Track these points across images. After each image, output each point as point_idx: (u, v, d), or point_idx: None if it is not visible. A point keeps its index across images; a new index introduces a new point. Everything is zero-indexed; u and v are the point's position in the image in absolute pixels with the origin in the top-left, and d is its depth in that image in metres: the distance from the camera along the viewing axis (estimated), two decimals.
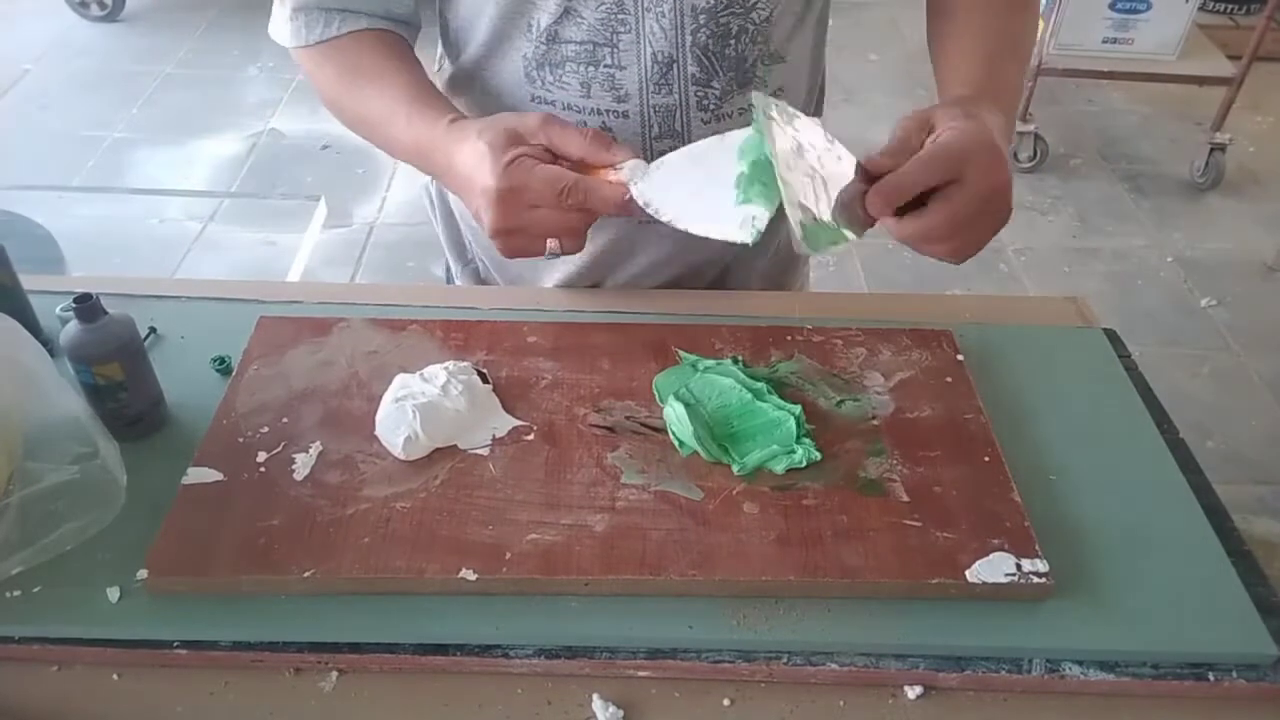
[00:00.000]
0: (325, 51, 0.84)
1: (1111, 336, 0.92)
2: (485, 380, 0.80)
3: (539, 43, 0.83)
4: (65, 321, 0.77)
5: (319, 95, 0.87)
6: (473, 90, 0.90)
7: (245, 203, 2.84)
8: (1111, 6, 2.78)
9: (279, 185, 2.90)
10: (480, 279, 1.08)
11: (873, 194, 0.67)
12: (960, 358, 0.85)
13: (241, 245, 2.66)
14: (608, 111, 0.85)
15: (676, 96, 0.84)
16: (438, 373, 0.78)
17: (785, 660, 0.65)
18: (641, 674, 0.65)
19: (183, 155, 3.03)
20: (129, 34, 3.72)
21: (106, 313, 0.73)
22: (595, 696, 0.64)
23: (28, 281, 0.86)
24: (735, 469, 0.73)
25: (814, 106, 1.00)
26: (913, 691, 0.65)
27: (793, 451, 0.74)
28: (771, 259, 1.06)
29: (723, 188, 0.71)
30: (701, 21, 0.81)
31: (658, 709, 0.64)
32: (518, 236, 0.73)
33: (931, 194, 0.68)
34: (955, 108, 0.72)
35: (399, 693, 0.64)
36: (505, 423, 0.77)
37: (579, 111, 0.86)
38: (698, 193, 0.73)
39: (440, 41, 0.94)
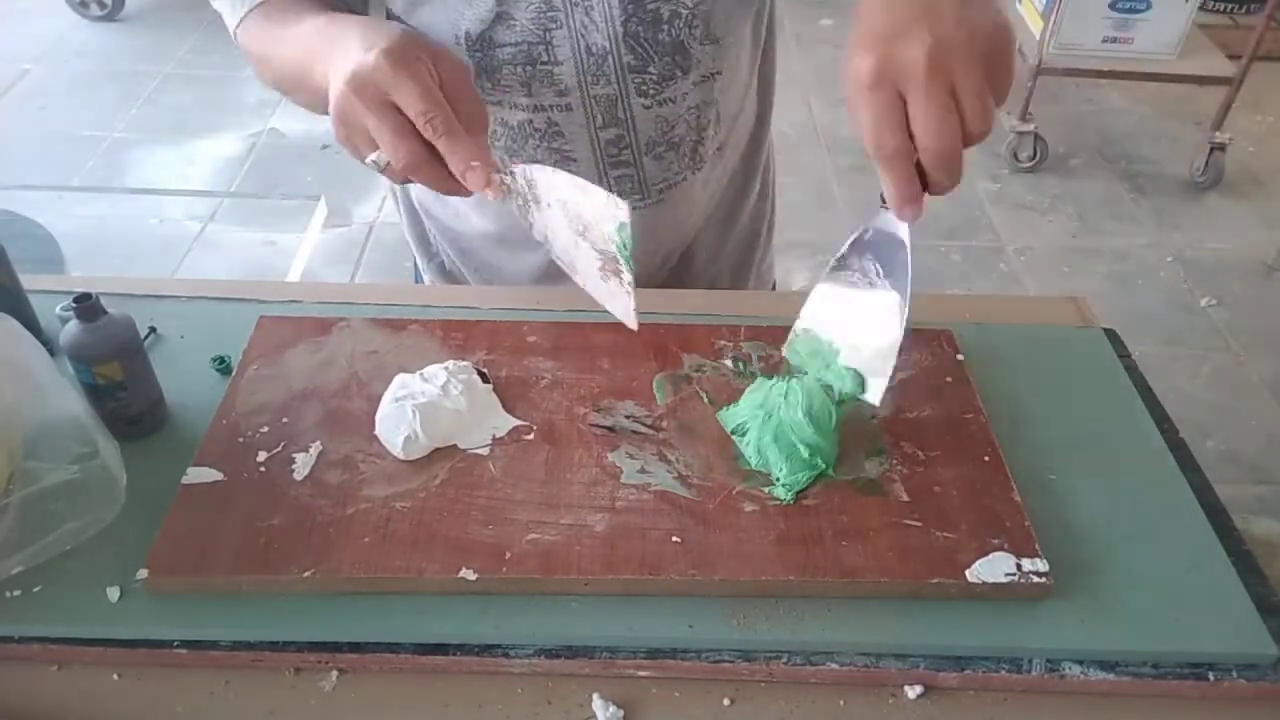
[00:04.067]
0: (256, 15, 0.82)
1: (1111, 336, 0.92)
2: (485, 380, 0.80)
3: (471, 51, 0.83)
4: (65, 321, 0.77)
5: (256, 72, 0.85)
6: None
7: (245, 203, 2.84)
8: (1111, 6, 2.78)
9: (279, 185, 2.90)
10: (446, 272, 1.08)
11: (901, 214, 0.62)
12: (960, 358, 0.85)
13: (241, 245, 2.66)
14: (551, 106, 0.86)
15: (615, 86, 0.85)
16: (438, 372, 0.78)
17: (785, 660, 0.65)
18: (641, 674, 0.65)
19: (182, 155, 3.03)
20: (129, 34, 3.72)
21: (106, 312, 0.73)
22: (595, 696, 0.64)
23: (28, 281, 0.86)
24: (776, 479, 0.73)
25: (761, 88, 0.99)
26: (913, 691, 0.65)
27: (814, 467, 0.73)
28: (735, 238, 1.06)
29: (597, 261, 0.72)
30: (630, 11, 0.81)
31: (658, 709, 0.64)
32: (359, 117, 0.66)
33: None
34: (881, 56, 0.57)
35: (399, 693, 0.64)
36: (505, 422, 0.77)
37: (524, 109, 0.86)
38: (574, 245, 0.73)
39: None
